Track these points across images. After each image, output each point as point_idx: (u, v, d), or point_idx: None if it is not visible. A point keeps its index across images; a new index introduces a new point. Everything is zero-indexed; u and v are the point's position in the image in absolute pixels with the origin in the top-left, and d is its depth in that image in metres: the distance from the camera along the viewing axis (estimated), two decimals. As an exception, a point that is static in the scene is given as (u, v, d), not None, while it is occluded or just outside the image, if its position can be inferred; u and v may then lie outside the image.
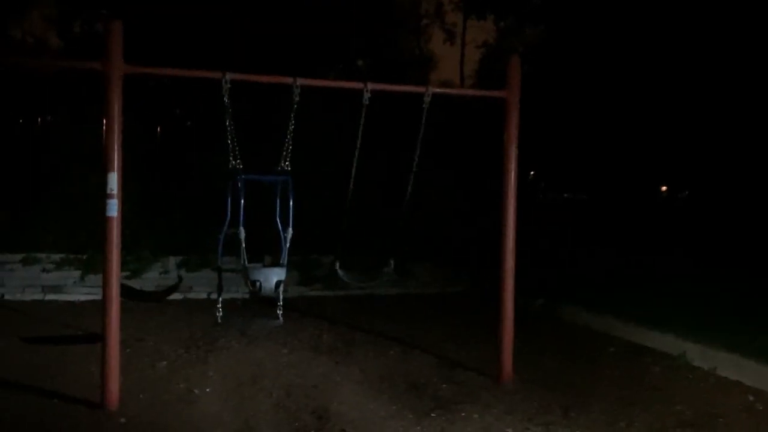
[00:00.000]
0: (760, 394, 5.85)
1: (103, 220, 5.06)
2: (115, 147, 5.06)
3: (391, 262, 5.86)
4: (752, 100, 16.53)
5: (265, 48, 19.25)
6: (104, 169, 5.06)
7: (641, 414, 5.32)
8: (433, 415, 5.20)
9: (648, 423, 5.14)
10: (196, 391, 5.56)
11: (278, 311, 5.83)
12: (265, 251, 6.89)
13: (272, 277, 5.48)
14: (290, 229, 5.68)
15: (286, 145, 5.44)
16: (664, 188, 23.82)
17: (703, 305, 8.50)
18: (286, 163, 5.46)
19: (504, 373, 6.10)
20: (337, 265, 5.80)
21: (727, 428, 5.10)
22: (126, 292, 6.94)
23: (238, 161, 5.32)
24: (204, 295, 9.64)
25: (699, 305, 8.49)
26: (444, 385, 5.98)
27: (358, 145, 5.57)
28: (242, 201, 5.42)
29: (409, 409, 5.30)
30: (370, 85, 5.56)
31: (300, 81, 5.36)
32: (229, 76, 5.18)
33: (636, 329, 7.73)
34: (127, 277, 9.46)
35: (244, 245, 5.44)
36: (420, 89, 5.82)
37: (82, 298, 9.26)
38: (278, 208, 5.79)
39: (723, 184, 18.84)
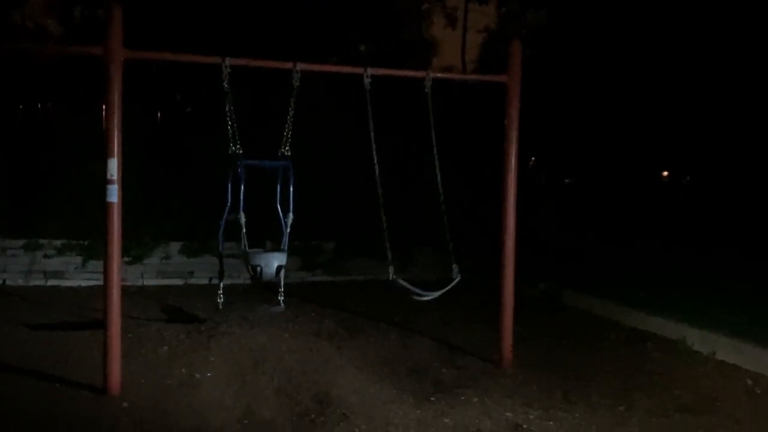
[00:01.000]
0: (759, 377, 5.88)
1: (104, 205, 5.07)
2: (115, 133, 5.05)
3: (455, 267, 5.81)
4: (755, 85, 16.46)
5: (265, 36, 19.16)
6: (104, 155, 5.06)
7: (641, 398, 5.34)
8: (433, 399, 5.23)
9: (648, 407, 5.16)
10: (198, 376, 5.59)
11: (279, 297, 5.85)
12: (266, 237, 6.90)
13: (273, 262, 5.49)
14: (291, 215, 5.68)
15: (287, 130, 5.43)
16: (665, 173, 23.75)
17: (703, 290, 8.52)
18: (287, 148, 5.45)
19: (504, 358, 6.13)
20: (391, 273, 5.61)
21: (726, 412, 5.12)
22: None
23: (238, 147, 5.31)
24: (205, 281, 9.67)
25: (699, 290, 8.51)
26: (444, 370, 6.01)
27: (372, 131, 5.53)
28: (243, 186, 5.42)
29: (409, 394, 5.33)
30: (370, 70, 5.54)
31: (300, 66, 5.35)
32: (228, 61, 5.16)
33: (637, 314, 7.76)
34: (128, 263, 9.50)
35: (244, 230, 5.44)
36: (420, 74, 5.80)
37: (84, 283, 9.28)
38: (279, 194, 5.79)
39: (725, 170, 18.79)
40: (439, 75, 6.03)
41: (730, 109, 17.28)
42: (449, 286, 5.76)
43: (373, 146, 5.52)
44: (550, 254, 10.99)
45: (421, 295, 5.69)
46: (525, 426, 4.75)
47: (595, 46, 19.63)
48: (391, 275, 5.59)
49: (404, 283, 5.61)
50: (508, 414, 4.96)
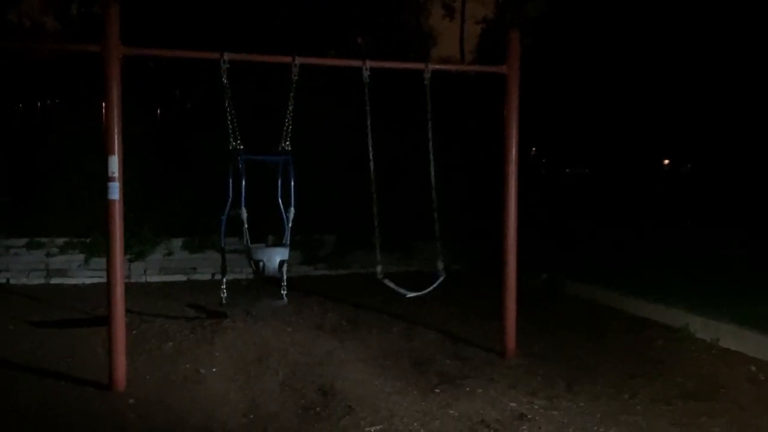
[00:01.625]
0: (762, 364, 5.89)
1: (106, 203, 5.08)
2: (115, 130, 5.05)
3: (440, 265, 5.83)
4: (755, 73, 16.42)
5: (265, 34, 19.13)
6: (104, 153, 5.06)
7: (644, 386, 5.36)
8: (437, 390, 5.24)
9: (651, 395, 5.18)
10: (203, 371, 5.61)
11: (282, 291, 5.86)
12: (268, 231, 6.91)
13: (275, 257, 5.50)
14: (292, 209, 5.69)
15: (286, 125, 5.44)
16: (666, 162, 23.72)
17: (705, 277, 8.54)
18: (287, 143, 5.45)
19: (508, 348, 6.14)
20: (380, 272, 5.67)
21: (730, 399, 5.13)
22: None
23: (238, 142, 5.32)
24: (208, 276, 9.69)
25: (701, 277, 8.53)
26: (448, 361, 6.02)
27: (369, 125, 5.53)
28: (243, 182, 5.42)
29: (413, 385, 5.35)
30: (369, 63, 5.53)
31: (299, 60, 5.34)
32: (227, 56, 5.16)
33: (639, 303, 7.77)
34: (131, 260, 9.52)
35: (246, 226, 5.45)
36: (419, 66, 5.79)
37: (87, 281, 9.30)
38: (280, 189, 5.79)
39: (726, 157, 18.76)
40: (437, 66, 6.01)
41: (730, 96, 17.24)
42: (434, 285, 5.84)
43: (369, 140, 5.54)
44: (551, 244, 10.99)
45: (406, 294, 5.72)
46: (529, 416, 4.77)
47: (594, 34, 19.58)
48: (379, 274, 5.66)
49: (390, 284, 5.69)
50: (513, 404, 4.98)
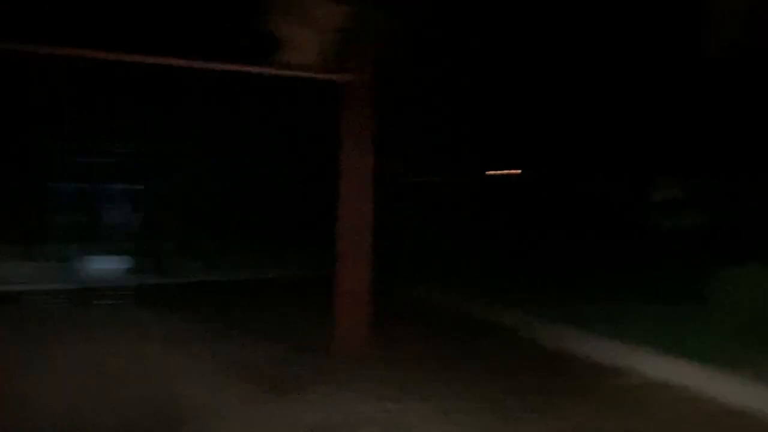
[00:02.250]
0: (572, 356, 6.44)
1: None
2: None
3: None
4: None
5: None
6: None
7: (484, 386, 5.57)
8: (287, 397, 5.15)
9: (493, 388, 5.46)
10: (28, 391, 5.16)
11: (114, 301, 5.61)
12: (102, 240, 6.60)
13: (104, 265, 5.30)
14: (135, 215, 5.48)
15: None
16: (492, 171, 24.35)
17: (553, 277, 9.18)
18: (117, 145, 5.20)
19: (356, 353, 6.20)
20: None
21: (552, 391, 5.46)
22: None
23: (63, 143, 5.00)
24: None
25: (554, 279, 9.16)
26: (298, 368, 5.95)
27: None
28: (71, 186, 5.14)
29: (262, 393, 5.22)
30: (199, 63, 5.25)
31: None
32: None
33: (485, 307, 8.24)
34: None
35: (70, 233, 5.19)
36: (253, 69, 5.62)
37: None
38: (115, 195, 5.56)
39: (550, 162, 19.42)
40: (276, 71, 5.86)
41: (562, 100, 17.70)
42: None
43: (175, 146, 5.40)
44: (408, 251, 11.21)
45: None
46: (377, 417, 4.78)
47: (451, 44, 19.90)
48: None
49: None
50: (361, 407, 4.97)
